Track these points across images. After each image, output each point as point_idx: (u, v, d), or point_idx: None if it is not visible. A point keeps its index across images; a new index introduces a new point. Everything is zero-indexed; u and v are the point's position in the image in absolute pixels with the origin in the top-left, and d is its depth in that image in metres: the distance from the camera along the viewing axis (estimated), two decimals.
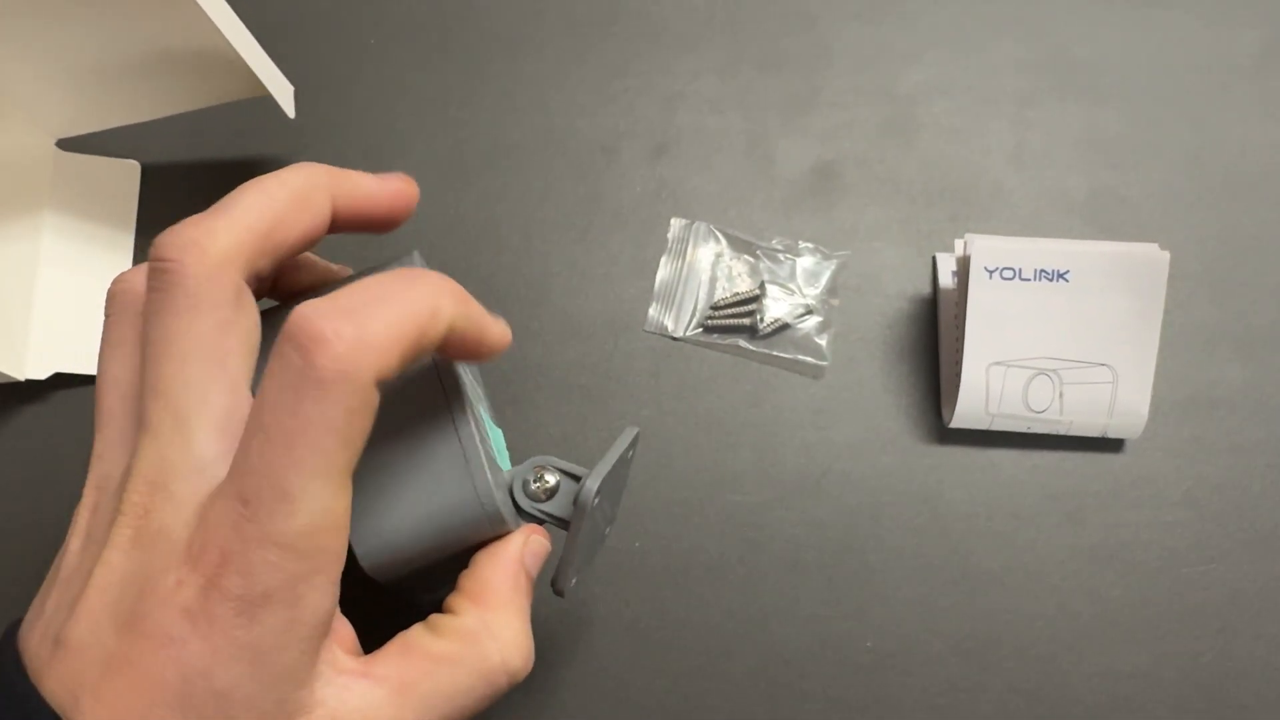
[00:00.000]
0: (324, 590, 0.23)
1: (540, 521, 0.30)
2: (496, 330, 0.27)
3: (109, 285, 0.27)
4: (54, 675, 0.22)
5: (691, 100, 0.44)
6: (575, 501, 0.28)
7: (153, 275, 0.24)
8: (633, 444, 0.32)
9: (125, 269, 0.41)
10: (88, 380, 0.40)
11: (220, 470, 0.23)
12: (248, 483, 0.22)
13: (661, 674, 0.37)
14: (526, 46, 0.45)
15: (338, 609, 0.24)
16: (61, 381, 0.40)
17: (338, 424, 0.22)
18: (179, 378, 0.23)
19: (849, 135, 0.44)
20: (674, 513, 0.39)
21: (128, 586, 0.23)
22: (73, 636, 0.23)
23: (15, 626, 0.24)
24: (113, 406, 0.25)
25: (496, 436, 0.34)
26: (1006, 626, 0.38)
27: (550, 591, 0.30)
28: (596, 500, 0.28)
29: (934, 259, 0.42)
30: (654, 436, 0.40)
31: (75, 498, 0.39)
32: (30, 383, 0.39)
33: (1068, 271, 0.38)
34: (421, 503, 0.28)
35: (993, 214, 0.43)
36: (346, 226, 0.28)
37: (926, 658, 0.38)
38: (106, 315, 0.26)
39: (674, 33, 0.45)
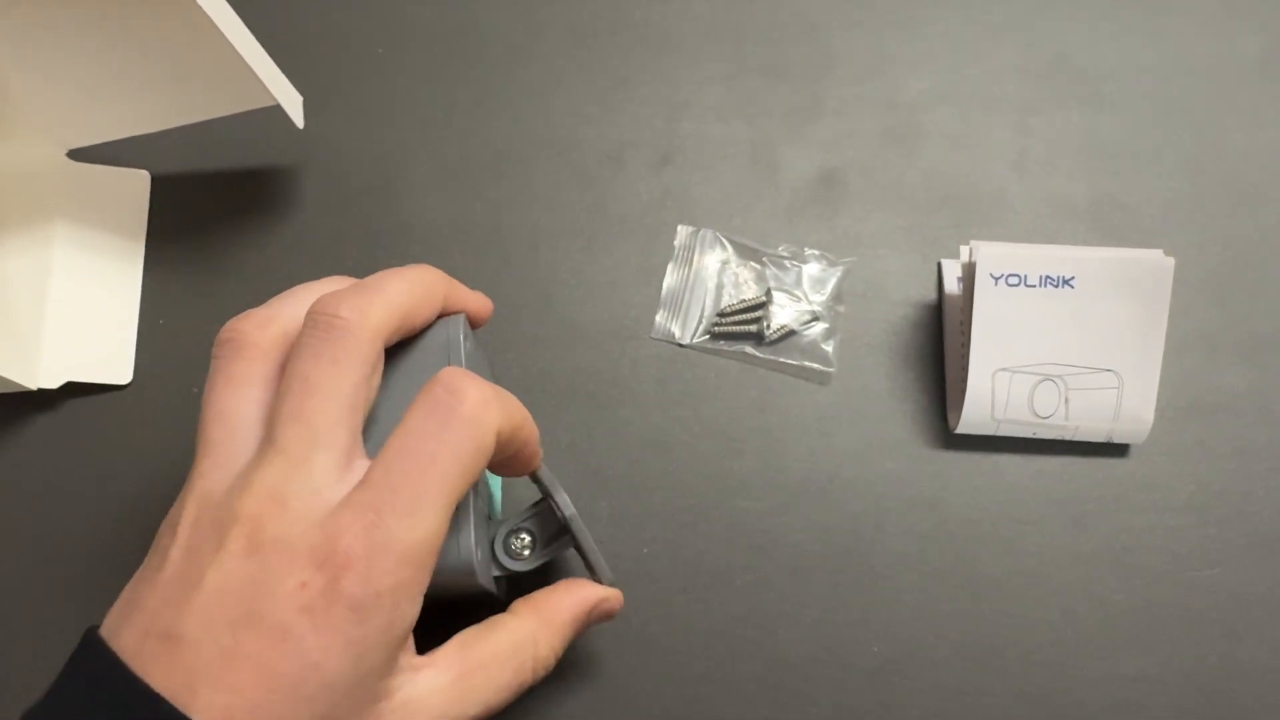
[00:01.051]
0: (417, 599, 0.27)
1: (520, 572, 0.33)
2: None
3: (220, 332, 0.30)
4: (163, 668, 0.24)
5: (696, 109, 0.45)
6: (570, 527, 0.33)
7: (319, 326, 0.28)
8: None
9: (135, 277, 0.42)
10: (99, 390, 0.40)
11: (334, 496, 0.26)
12: (384, 494, 0.26)
13: (668, 679, 0.38)
14: (531, 57, 0.45)
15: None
16: (73, 390, 0.40)
17: (466, 457, 0.27)
18: (323, 411, 0.27)
19: (852, 143, 0.44)
20: (680, 519, 0.39)
21: (244, 588, 0.25)
22: (187, 632, 0.25)
23: (94, 630, 0.26)
24: (220, 435, 0.28)
25: (494, 483, 0.37)
26: (1011, 631, 0.38)
27: None
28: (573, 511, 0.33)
29: (939, 265, 0.42)
30: (660, 443, 0.40)
31: (88, 504, 0.39)
32: (42, 392, 0.39)
33: (1073, 278, 0.38)
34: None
35: (996, 221, 0.43)
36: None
37: (932, 662, 0.38)
38: (220, 355, 0.30)
39: (678, 42, 0.46)
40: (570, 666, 0.38)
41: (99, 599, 0.29)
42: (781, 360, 0.41)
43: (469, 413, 0.27)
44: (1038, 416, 0.39)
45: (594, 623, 0.34)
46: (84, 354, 0.40)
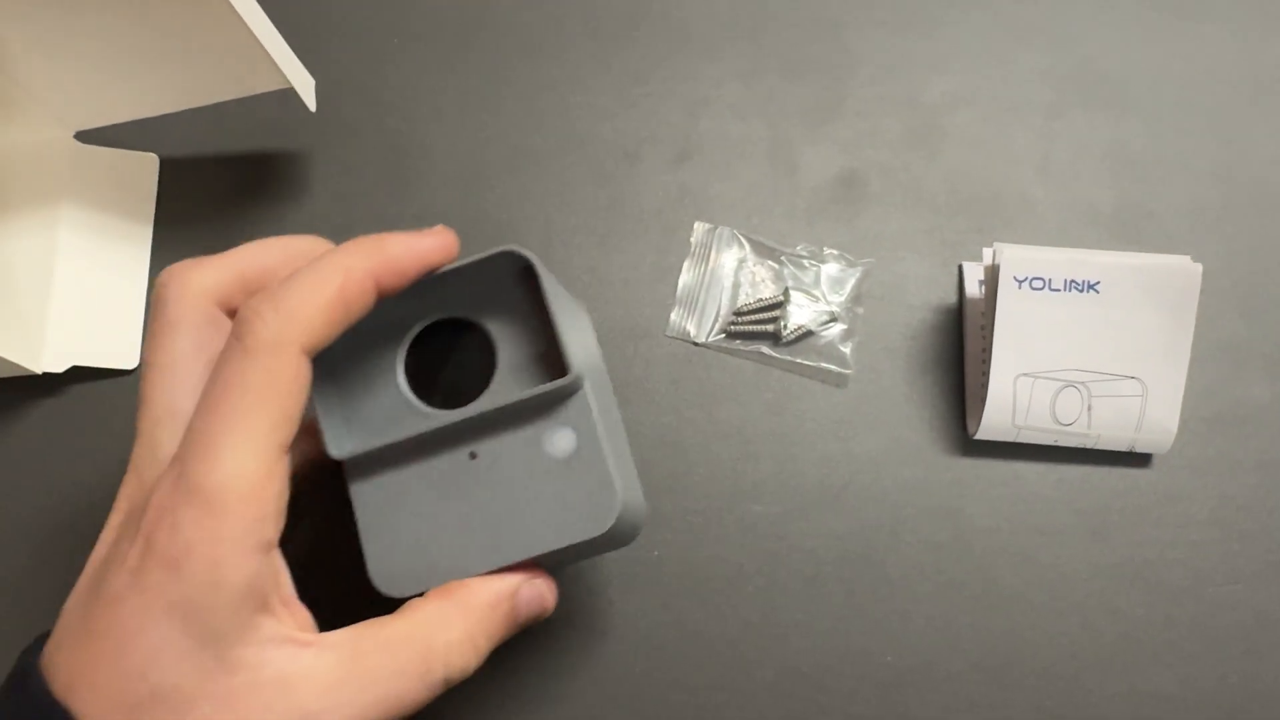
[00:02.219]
0: (245, 553, 0.25)
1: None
2: (428, 243, 0.29)
3: (160, 276, 0.30)
4: (47, 649, 0.25)
5: (714, 107, 0.44)
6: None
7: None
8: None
9: (143, 262, 0.41)
10: (104, 374, 0.40)
11: None
12: (184, 445, 0.25)
13: (678, 686, 0.37)
14: (548, 50, 0.45)
15: (281, 584, 0.27)
16: (78, 375, 0.39)
17: (255, 383, 0.25)
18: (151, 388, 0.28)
19: (873, 144, 0.43)
20: (692, 522, 0.38)
21: (108, 559, 0.26)
22: (64, 610, 0.26)
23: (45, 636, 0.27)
24: (146, 423, 0.29)
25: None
26: (1028, 644, 0.37)
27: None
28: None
29: (960, 268, 0.42)
30: (673, 444, 0.39)
31: (92, 490, 0.38)
32: (46, 376, 0.38)
33: (1098, 283, 0.37)
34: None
35: (1018, 225, 0.42)
36: (395, 290, 0.29)
37: (947, 675, 0.37)
38: (155, 313, 0.30)
39: (697, 39, 0.45)
40: (576, 672, 0.37)
41: None
42: (798, 361, 0.40)
43: (255, 342, 0.25)
44: (1059, 424, 0.38)
45: (527, 617, 0.30)
46: (89, 338, 0.39)
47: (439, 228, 0.30)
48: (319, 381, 0.29)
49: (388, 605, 0.29)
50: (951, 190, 0.43)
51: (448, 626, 0.28)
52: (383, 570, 0.29)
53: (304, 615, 0.27)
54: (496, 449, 0.29)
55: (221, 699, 0.24)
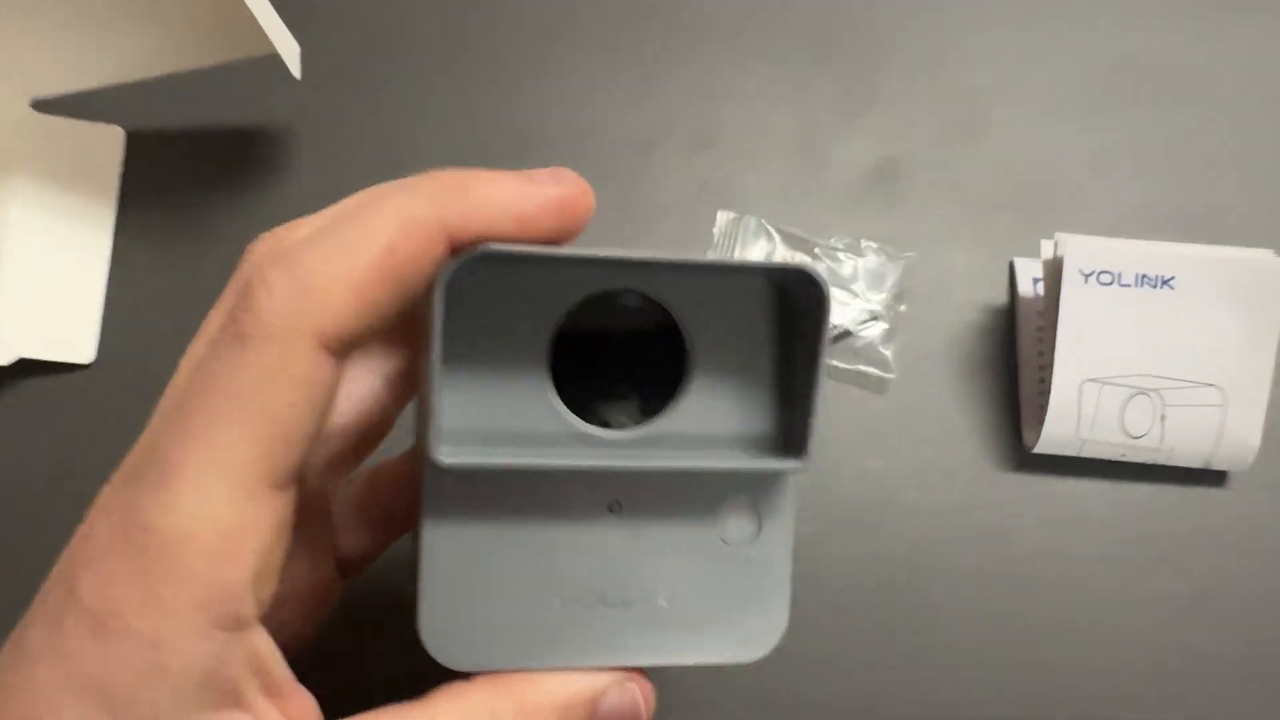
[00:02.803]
0: (198, 631, 0.17)
1: None
2: (545, 197, 0.19)
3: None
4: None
5: (737, 95, 0.40)
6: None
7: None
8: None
9: (104, 245, 0.37)
10: (57, 369, 0.35)
11: None
12: (137, 454, 0.18)
13: None
14: (559, 33, 0.41)
15: (266, 669, 0.19)
16: (27, 369, 0.35)
17: (242, 387, 0.17)
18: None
19: (910, 135, 0.40)
20: None
21: (40, 599, 0.19)
22: None
23: None
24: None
25: None
26: (1088, 686, 0.33)
27: None
28: None
29: (1011, 264, 0.38)
30: None
31: (39, 499, 0.34)
32: None
33: (1173, 278, 0.34)
34: None
35: (1071, 221, 0.39)
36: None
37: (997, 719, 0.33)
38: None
39: (718, 22, 0.41)
40: None
41: None
42: (834, 364, 0.36)
43: (253, 325, 0.17)
44: (1129, 436, 0.34)
45: None
46: (42, 328, 0.35)
47: (562, 171, 0.20)
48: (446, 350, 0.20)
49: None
50: (997, 183, 0.39)
51: None
52: (438, 627, 0.21)
53: (303, 704, 0.20)
54: (650, 510, 0.22)
55: None
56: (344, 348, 0.18)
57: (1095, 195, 0.39)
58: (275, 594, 0.19)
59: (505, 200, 0.19)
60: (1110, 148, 0.40)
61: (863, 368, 0.36)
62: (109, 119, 0.38)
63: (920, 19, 0.41)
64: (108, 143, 0.38)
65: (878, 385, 0.36)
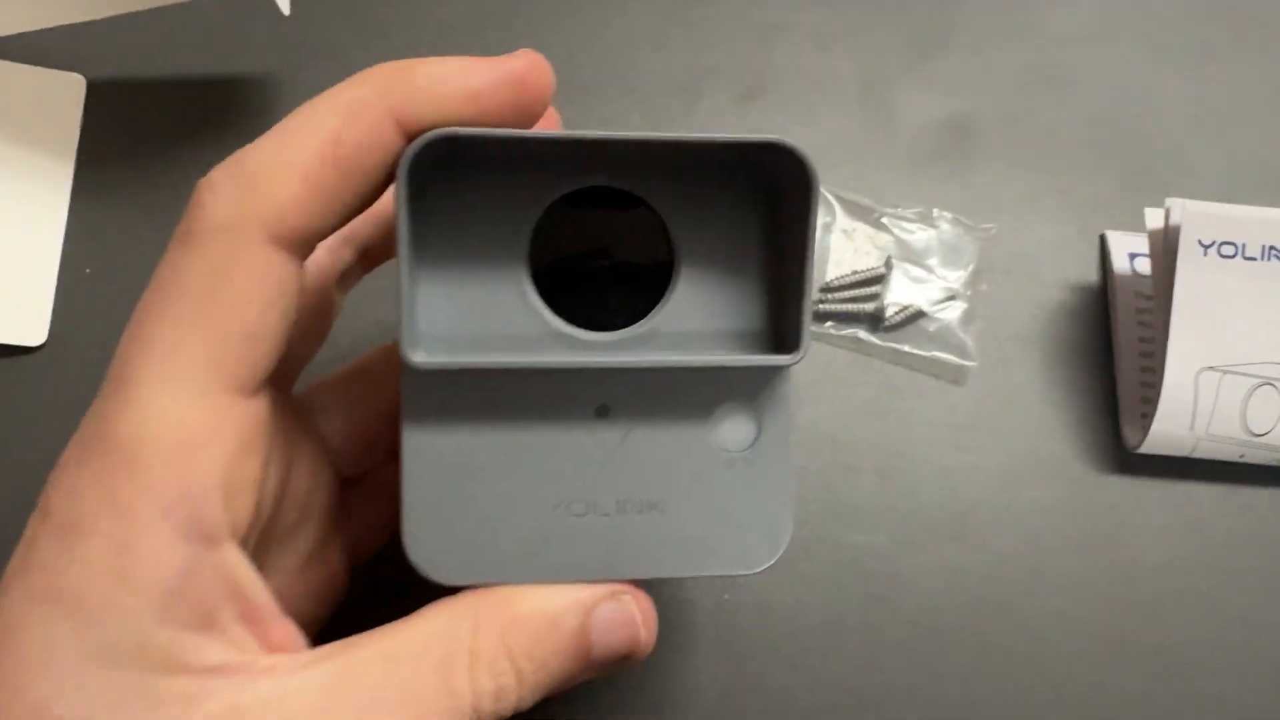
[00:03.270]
0: (166, 538, 0.17)
1: None
2: (496, 74, 0.19)
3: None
4: None
5: (791, 34, 0.35)
6: None
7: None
8: None
9: (59, 211, 0.32)
10: (4, 351, 0.30)
11: None
12: (110, 370, 0.18)
13: None
14: None
15: (245, 593, 0.18)
16: None
17: (193, 286, 0.17)
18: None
19: (989, 85, 0.35)
20: None
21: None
22: None
23: None
24: None
25: None
26: (1214, 716, 0.29)
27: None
28: None
29: (1102, 238, 0.33)
30: None
31: None
32: None
33: None
34: None
35: (1172, 186, 0.34)
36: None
37: None
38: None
39: None
40: None
41: None
42: (906, 350, 0.31)
43: (200, 224, 0.18)
44: (1251, 433, 0.29)
45: (606, 652, 0.20)
46: None
47: (520, 51, 0.19)
48: (416, 252, 0.20)
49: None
50: (1086, 143, 0.34)
51: (479, 635, 0.19)
52: (424, 539, 0.20)
53: (286, 633, 0.19)
54: (641, 413, 0.21)
55: None
56: (299, 243, 0.18)
57: (1201, 155, 0.34)
58: (263, 513, 0.19)
59: (452, 77, 0.18)
60: (1215, 100, 0.35)
61: (939, 354, 0.31)
62: (68, 66, 0.33)
63: None
64: (67, 92, 0.33)
65: (955, 374, 0.31)
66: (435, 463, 0.20)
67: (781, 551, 0.22)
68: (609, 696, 0.28)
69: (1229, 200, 0.33)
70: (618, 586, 0.21)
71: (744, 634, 0.29)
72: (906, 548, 0.30)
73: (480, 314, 0.20)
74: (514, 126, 0.19)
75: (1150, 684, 0.29)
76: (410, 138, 0.18)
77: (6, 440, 0.30)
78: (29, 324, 0.31)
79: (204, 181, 0.18)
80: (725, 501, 0.21)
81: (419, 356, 0.19)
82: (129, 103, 0.33)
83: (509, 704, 0.19)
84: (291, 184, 0.18)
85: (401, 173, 0.18)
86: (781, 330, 0.21)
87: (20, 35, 0.32)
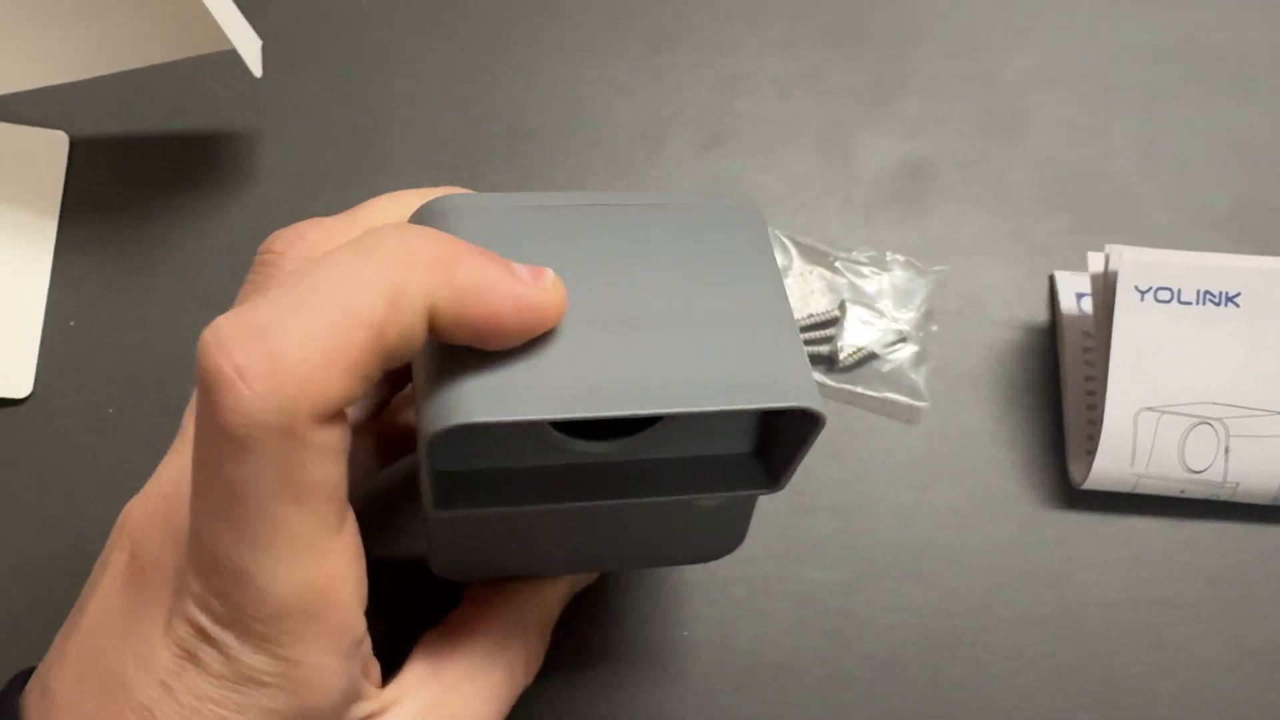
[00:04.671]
0: (333, 661, 0.19)
1: None
2: (519, 301, 0.19)
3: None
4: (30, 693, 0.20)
5: (752, 81, 0.37)
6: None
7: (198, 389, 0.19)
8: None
9: (44, 265, 0.34)
10: None
11: None
12: (202, 557, 0.18)
13: None
14: (552, 11, 0.37)
15: (364, 664, 0.21)
16: None
17: (274, 489, 0.17)
18: None
19: (943, 129, 0.36)
20: (732, 594, 0.31)
21: (114, 631, 0.20)
22: (56, 687, 0.20)
23: (28, 674, 0.22)
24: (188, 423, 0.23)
25: None
26: None
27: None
28: None
29: (1052, 279, 0.34)
30: None
31: None
32: None
33: (1238, 294, 0.30)
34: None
35: (1119, 226, 0.35)
36: (454, 340, 0.19)
37: None
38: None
39: (732, 0, 0.37)
40: None
41: None
42: (860, 391, 0.32)
43: (241, 424, 0.17)
44: (1189, 471, 0.30)
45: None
46: None
47: (543, 272, 0.20)
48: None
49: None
50: (1038, 184, 0.36)
51: (526, 627, 0.25)
52: (449, 570, 0.25)
53: (375, 670, 0.23)
54: (631, 498, 0.23)
55: None
56: (340, 410, 0.18)
57: (1147, 197, 0.35)
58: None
59: (486, 293, 0.19)
60: (1163, 143, 0.36)
61: (891, 395, 0.32)
62: (51, 124, 0.34)
63: None
64: (50, 149, 0.34)
65: (909, 414, 0.32)
66: (457, 535, 0.23)
67: (733, 549, 0.26)
68: None
69: (1174, 239, 0.35)
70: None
71: (704, 671, 0.30)
72: (862, 584, 0.31)
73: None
74: (516, 341, 0.19)
75: (1097, 715, 0.30)
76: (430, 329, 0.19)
77: None
78: (14, 376, 0.32)
79: (234, 369, 0.16)
80: (695, 531, 0.25)
81: (438, 509, 0.21)
82: (111, 159, 0.34)
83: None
84: (337, 378, 0.17)
85: (426, 462, 0.20)
86: (770, 459, 0.23)
87: (6, 95, 0.33)
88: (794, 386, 0.20)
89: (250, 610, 0.18)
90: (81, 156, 0.34)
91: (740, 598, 0.31)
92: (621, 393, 0.19)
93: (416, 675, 0.23)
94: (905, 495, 0.32)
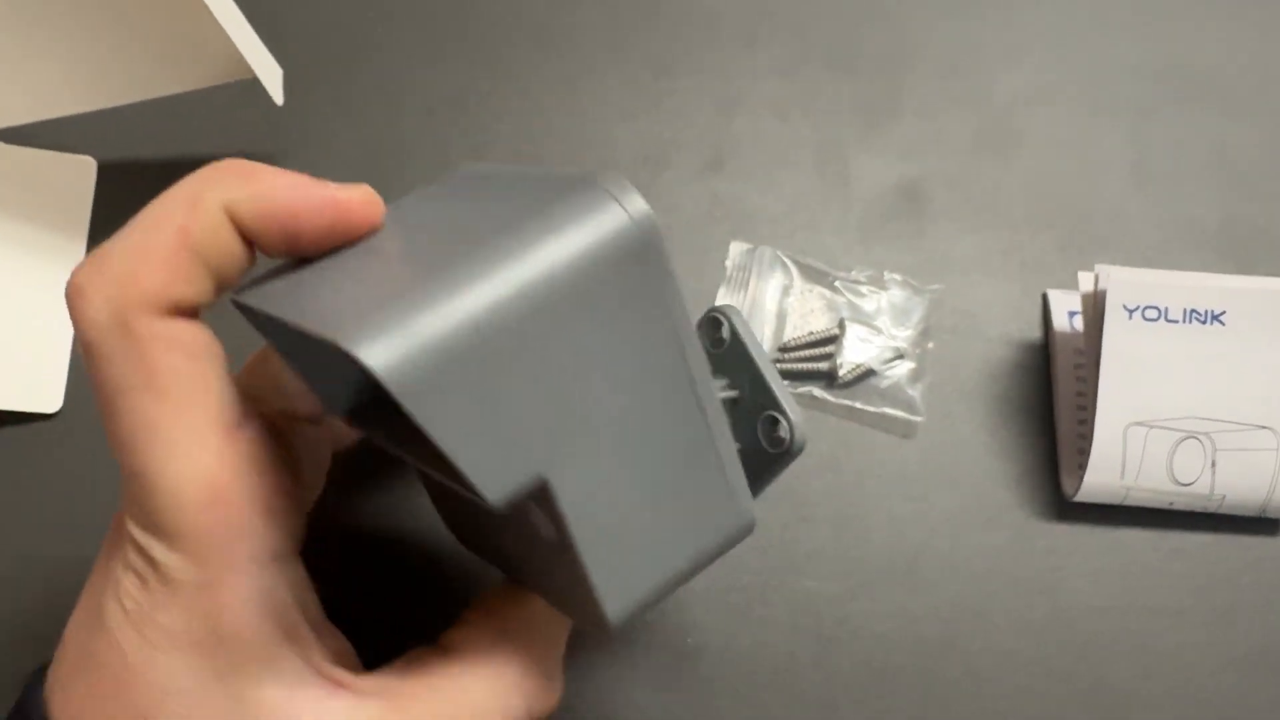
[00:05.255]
0: (239, 572, 0.20)
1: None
2: (318, 198, 0.21)
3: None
4: (49, 683, 0.22)
5: (751, 104, 0.38)
6: (790, 448, 0.23)
7: None
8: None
9: None
10: (21, 419, 0.33)
11: None
12: (121, 470, 0.20)
13: None
14: (557, 38, 0.38)
15: (308, 604, 0.22)
16: None
17: (130, 381, 0.19)
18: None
19: (937, 149, 0.37)
20: (733, 602, 0.32)
21: (97, 583, 0.22)
22: (66, 634, 0.22)
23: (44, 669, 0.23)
24: None
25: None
26: None
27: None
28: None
29: (1044, 297, 0.35)
30: None
31: (2, 554, 0.32)
32: None
33: (1223, 312, 0.31)
34: (666, 526, 0.20)
35: (1110, 244, 0.36)
36: (277, 246, 0.21)
37: None
38: None
39: (731, 25, 0.39)
40: None
41: (17, 654, 0.27)
42: (858, 406, 0.34)
43: (85, 324, 0.20)
44: (1177, 483, 0.31)
45: None
46: (4, 375, 0.33)
47: (359, 185, 0.21)
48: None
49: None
50: (1030, 203, 0.37)
51: (526, 661, 0.23)
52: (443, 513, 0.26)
53: (340, 642, 0.23)
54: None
55: None
56: (183, 309, 0.20)
57: (1138, 215, 0.36)
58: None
59: (282, 190, 0.20)
60: (1153, 162, 0.37)
61: (888, 410, 0.33)
62: (80, 149, 0.36)
63: (948, 21, 0.39)
64: (79, 174, 0.36)
65: (905, 429, 0.33)
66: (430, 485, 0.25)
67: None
68: None
69: (1165, 256, 0.36)
70: None
71: (704, 676, 0.31)
72: (859, 592, 0.32)
73: None
74: (330, 247, 0.21)
75: (1086, 718, 0.31)
76: (243, 234, 0.21)
77: (25, 500, 0.32)
78: (45, 392, 0.33)
79: (73, 288, 0.20)
80: (563, 570, 0.22)
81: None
82: (137, 182, 0.36)
83: (551, 705, 0.24)
84: (157, 274, 0.19)
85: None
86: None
87: (36, 122, 0.34)
88: (363, 326, 0.17)
89: (150, 505, 0.19)
90: (109, 180, 0.36)
91: (740, 605, 0.32)
92: (302, 305, 0.19)
93: (384, 676, 0.22)
94: (901, 506, 0.33)
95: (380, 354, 0.16)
